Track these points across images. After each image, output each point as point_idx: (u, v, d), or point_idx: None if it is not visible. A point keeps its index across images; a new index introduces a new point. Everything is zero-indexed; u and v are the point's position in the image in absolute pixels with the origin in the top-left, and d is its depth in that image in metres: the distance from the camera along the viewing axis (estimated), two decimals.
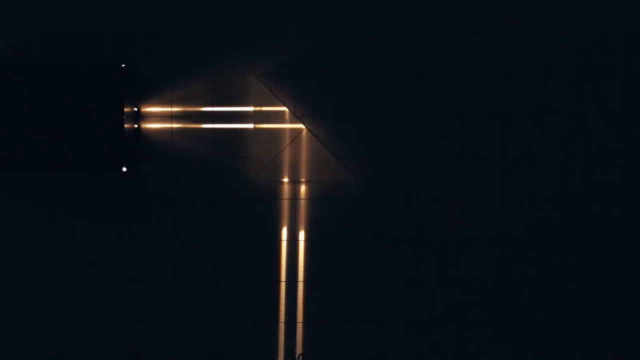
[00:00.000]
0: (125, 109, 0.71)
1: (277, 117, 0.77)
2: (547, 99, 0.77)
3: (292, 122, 0.77)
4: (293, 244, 0.77)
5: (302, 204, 0.78)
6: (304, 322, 0.76)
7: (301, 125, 0.75)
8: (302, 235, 0.77)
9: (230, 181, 0.75)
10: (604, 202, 0.79)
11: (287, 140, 0.75)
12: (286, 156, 0.77)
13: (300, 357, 0.77)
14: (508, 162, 0.77)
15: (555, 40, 0.77)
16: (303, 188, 0.79)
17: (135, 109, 0.73)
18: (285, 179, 0.76)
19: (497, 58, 0.76)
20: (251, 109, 0.75)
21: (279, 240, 0.75)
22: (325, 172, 0.79)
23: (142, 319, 0.76)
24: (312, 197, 0.79)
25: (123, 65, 0.69)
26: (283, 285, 0.77)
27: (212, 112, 0.74)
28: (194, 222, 0.74)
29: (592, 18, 0.82)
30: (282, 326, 0.77)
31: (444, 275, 0.75)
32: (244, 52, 0.74)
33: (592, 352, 0.82)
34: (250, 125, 0.73)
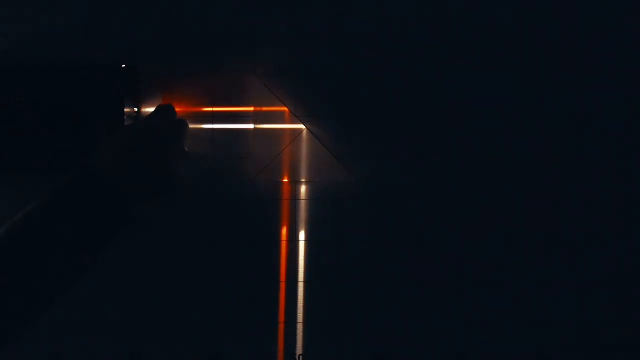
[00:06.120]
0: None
1: (277, 117, 0.77)
2: (550, 99, 0.77)
3: (292, 122, 0.77)
4: (293, 244, 0.77)
5: (303, 205, 0.78)
6: (304, 323, 0.76)
7: (301, 126, 0.75)
8: (302, 235, 0.77)
9: (230, 181, 0.75)
10: (604, 202, 0.80)
11: (287, 141, 0.75)
12: (286, 156, 0.77)
13: (301, 357, 0.77)
14: (510, 162, 0.77)
15: (558, 38, 0.77)
16: (303, 188, 0.79)
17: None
18: (286, 180, 0.76)
19: (498, 57, 0.76)
20: (251, 109, 0.74)
21: (279, 241, 0.75)
22: (325, 172, 0.79)
23: (142, 318, 0.75)
24: (312, 197, 0.79)
25: (123, 66, 0.68)
26: (283, 286, 0.77)
27: (212, 112, 0.74)
28: (194, 222, 0.74)
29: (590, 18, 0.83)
30: (282, 326, 0.77)
31: (445, 276, 0.75)
32: (245, 52, 0.74)
33: (592, 352, 0.82)
34: (251, 126, 0.72)
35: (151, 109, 0.74)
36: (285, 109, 0.78)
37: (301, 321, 0.80)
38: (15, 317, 0.48)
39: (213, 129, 0.75)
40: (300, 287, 0.80)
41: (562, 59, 0.84)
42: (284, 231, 0.79)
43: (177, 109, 0.73)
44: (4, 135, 0.69)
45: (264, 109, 0.78)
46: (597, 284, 0.86)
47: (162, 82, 0.75)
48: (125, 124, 0.68)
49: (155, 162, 0.57)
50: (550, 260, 0.86)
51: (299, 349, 0.81)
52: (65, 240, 0.49)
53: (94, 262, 0.53)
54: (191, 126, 0.75)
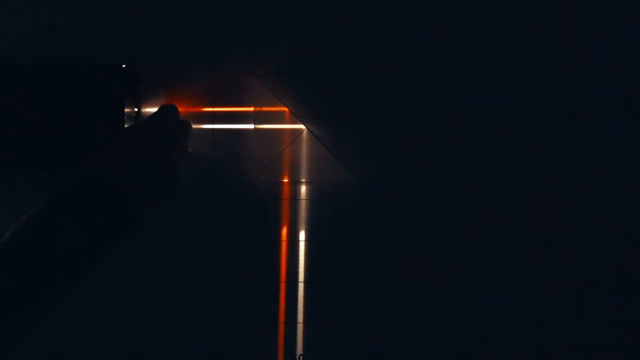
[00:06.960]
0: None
1: (277, 117, 0.76)
2: (551, 98, 0.77)
3: (292, 122, 0.76)
4: (293, 244, 0.77)
5: (303, 205, 0.78)
6: (304, 323, 0.76)
7: (301, 126, 0.74)
8: (302, 235, 0.76)
9: (230, 181, 0.74)
10: (601, 202, 0.79)
11: (287, 141, 0.75)
12: (286, 156, 0.77)
13: (301, 357, 0.76)
14: (510, 162, 0.76)
15: (558, 38, 0.77)
16: (303, 188, 0.78)
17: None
18: (286, 180, 0.76)
19: (498, 57, 0.76)
20: (251, 109, 0.74)
21: (279, 241, 0.75)
22: (325, 172, 0.79)
23: (142, 318, 0.75)
24: (312, 197, 0.78)
25: (123, 66, 0.68)
26: (283, 286, 0.77)
27: (212, 112, 0.73)
28: (194, 222, 0.73)
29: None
30: (282, 326, 0.76)
31: (445, 276, 0.75)
32: (245, 53, 0.73)
33: (592, 352, 0.82)
34: (251, 126, 0.72)
35: (151, 109, 0.74)
36: (285, 109, 0.78)
37: (301, 321, 0.80)
38: (18, 317, 0.48)
39: (213, 129, 0.75)
40: (300, 287, 0.80)
41: (562, 59, 0.84)
42: (284, 231, 0.79)
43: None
44: (4, 135, 0.69)
45: (264, 109, 0.78)
46: (597, 284, 0.86)
47: (162, 82, 0.75)
48: (126, 124, 0.68)
49: (156, 162, 0.57)
50: (550, 260, 0.86)
51: (299, 349, 0.81)
52: (66, 241, 0.49)
53: (96, 263, 0.53)
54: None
